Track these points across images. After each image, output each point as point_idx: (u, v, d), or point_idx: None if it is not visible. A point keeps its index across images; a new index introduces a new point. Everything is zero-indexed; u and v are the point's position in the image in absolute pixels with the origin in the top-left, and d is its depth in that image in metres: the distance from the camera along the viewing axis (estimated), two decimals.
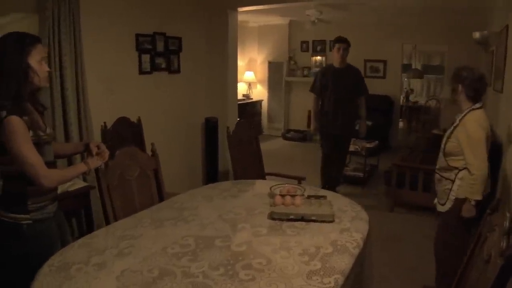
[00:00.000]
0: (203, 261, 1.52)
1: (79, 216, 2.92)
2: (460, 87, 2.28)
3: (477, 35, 4.41)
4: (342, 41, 4.16)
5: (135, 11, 3.74)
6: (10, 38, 1.57)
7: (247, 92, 8.19)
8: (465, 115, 2.27)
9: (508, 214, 1.29)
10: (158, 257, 1.56)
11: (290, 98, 8.25)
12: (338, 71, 4.21)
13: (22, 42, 1.56)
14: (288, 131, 8.08)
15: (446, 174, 2.35)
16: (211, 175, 4.76)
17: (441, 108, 7.70)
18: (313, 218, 1.90)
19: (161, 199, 2.37)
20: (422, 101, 9.19)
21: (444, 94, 7.64)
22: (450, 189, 2.31)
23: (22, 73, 1.55)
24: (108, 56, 3.50)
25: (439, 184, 2.42)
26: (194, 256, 1.57)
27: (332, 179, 4.40)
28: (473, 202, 2.18)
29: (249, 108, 7.79)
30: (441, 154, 2.39)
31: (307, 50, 7.90)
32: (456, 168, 2.29)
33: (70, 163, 2.93)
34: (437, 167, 2.45)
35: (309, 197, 2.12)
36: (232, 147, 3.07)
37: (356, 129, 4.47)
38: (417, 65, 9.96)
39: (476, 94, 2.27)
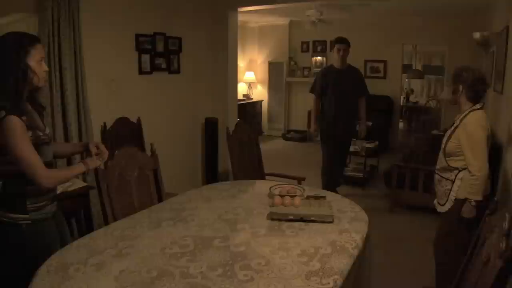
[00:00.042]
0: (201, 261, 1.52)
1: (78, 216, 2.91)
2: (460, 88, 2.28)
3: (477, 35, 4.40)
4: (342, 42, 4.14)
5: (135, 11, 3.74)
6: (9, 38, 1.57)
7: (247, 92, 8.19)
8: (465, 115, 2.27)
9: (507, 215, 1.29)
10: (156, 258, 1.56)
11: (290, 98, 8.25)
12: (339, 72, 4.19)
13: (21, 42, 1.56)
14: (289, 131, 8.08)
15: (446, 175, 2.34)
16: (211, 175, 4.76)
17: (441, 108, 7.69)
18: (312, 218, 1.90)
19: (160, 199, 2.37)
20: (422, 101, 9.18)
21: (442, 95, 7.62)
22: (450, 190, 2.31)
23: (21, 73, 1.55)
24: (108, 56, 3.50)
25: (439, 184, 2.41)
26: (192, 256, 1.56)
27: (332, 180, 4.40)
28: (473, 203, 2.18)
29: (249, 109, 7.79)
30: (441, 155, 2.38)
31: (308, 51, 7.91)
32: (456, 168, 2.28)
33: (69, 163, 2.94)
34: (437, 167, 2.44)
35: (308, 197, 2.11)
36: (231, 147, 3.07)
37: (357, 130, 4.46)
38: (417, 65, 9.95)
39: (477, 95, 2.26)
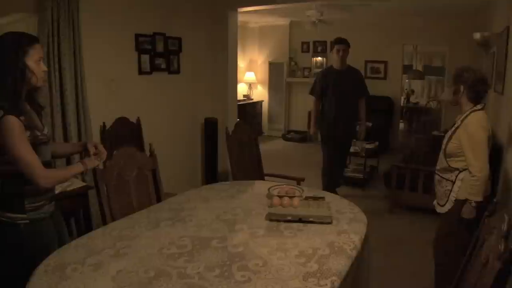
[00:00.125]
0: (199, 262, 1.52)
1: (77, 216, 2.91)
2: (461, 88, 2.27)
3: (477, 36, 4.39)
4: (342, 42, 4.12)
5: (134, 11, 3.75)
6: (7, 38, 1.57)
7: (247, 92, 8.19)
8: (466, 116, 2.26)
9: (506, 217, 1.28)
10: (154, 258, 1.55)
11: (290, 98, 8.25)
12: (339, 73, 4.18)
13: (20, 42, 1.57)
14: (289, 132, 8.08)
15: (446, 175, 2.34)
16: (211, 175, 4.76)
17: (441, 109, 7.69)
18: (311, 219, 1.89)
19: (159, 199, 2.37)
20: (422, 102, 9.18)
21: (443, 96, 7.61)
22: (450, 190, 2.30)
23: (19, 73, 1.55)
24: (107, 56, 3.50)
25: (439, 185, 2.41)
26: (190, 257, 1.56)
27: (332, 180, 4.39)
28: (473, 204, 2.17)
29: (249, 109, 7.79)
30: (441, 155, 2.38)
31: (308, 51, 7.90)
32: (457, 169, 2.28)
33: (68, 163, 2.94)
34: (437, 168, 2.44)
35: (307, 198, 2.10)
36: (231, 148, 3.07)
37: (357, 131, 4.46)
38: (417, 66, 9.95)
39: (478, 96, 2.26)
